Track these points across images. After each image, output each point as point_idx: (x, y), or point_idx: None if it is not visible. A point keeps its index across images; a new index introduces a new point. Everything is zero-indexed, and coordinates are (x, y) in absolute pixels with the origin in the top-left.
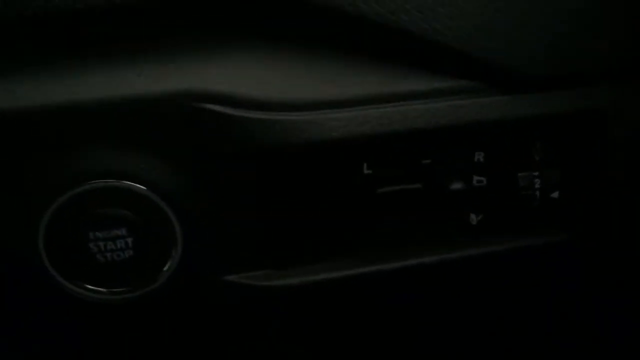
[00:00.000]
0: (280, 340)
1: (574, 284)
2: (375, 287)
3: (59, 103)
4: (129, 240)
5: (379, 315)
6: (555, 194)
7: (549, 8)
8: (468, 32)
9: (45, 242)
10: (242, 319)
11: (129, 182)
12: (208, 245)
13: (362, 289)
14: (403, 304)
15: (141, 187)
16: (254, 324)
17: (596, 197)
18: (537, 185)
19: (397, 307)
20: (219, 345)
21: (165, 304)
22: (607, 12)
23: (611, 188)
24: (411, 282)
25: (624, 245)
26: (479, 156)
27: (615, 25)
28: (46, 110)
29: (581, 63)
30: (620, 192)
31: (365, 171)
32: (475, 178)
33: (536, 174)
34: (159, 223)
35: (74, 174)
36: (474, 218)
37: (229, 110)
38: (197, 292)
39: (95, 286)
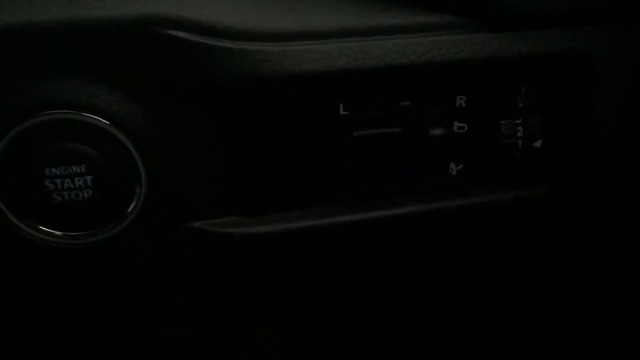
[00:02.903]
0: (242, 289)
1: (555, 237)
2: (347, 238)
3: (12, 23)
4: (89, 178)
5: (349, 267)
6: (538, 144)
7: None
8: None
9: None
10: (206, 267)
11: (89, 115)
12: (173, 187)
13: (334, 240)
14: (375, 255)
15: (103, 120)
16: (218, 271)
17: (580, 147)
18: (519, 134)
19: (370, 259)
20: (181, 293)
21: (125, 251)
22: None
23: (596, 137)
24: (387, 233)
25: (608, 197)
26: (461, 100)
27: None
28: (1, 31)
29: (571, 3)
30: (604, 141)
31: (342, 112)
32: (457, 124)
33: (519, 121)
34: (121, 161)
35: (28, 103)
36: (453, 167)
37: (196, 38)
38: (160, 239)
39: (52, 228)
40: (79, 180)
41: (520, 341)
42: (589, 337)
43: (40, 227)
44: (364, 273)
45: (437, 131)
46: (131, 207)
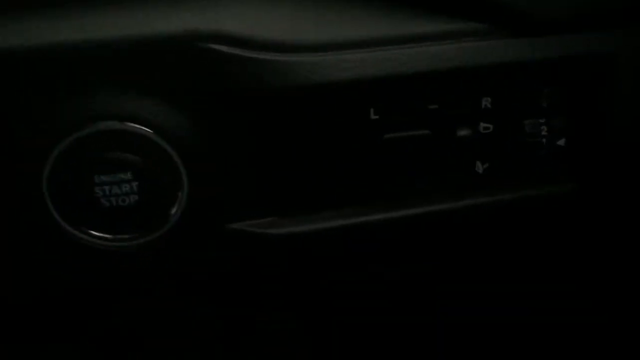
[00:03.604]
0: (281, 287)
1: (580, 234)
2: (382, 236)
3: (65, 42)
4: (134, 184)
5: (384, 264)
6: (562, 142)
7: None
8: None
9: (49, 185)
10: (246, 266)
11: (134, 125)
12: (213, 191)
13: (369, 238)
14: (408, 253)
15: (147, 129)
16: (258, 270)
17: (603, 145)
18: (543, 133)
19: (402, 256)
20: (222, 291)
21: (170, 251)
22: None
23: (618, 136)
24: (417, 230)
25: (632, 194)
26: (486, 102)
27: None
28: (52, 49)
29: (592, 7)
30: (627, 140)
31: (373, 116)
32: (482, 125)
33: (543, 120)
34: (164, 167)
35: (78, 116)
36: (480, 166)
37: (236, 51)
38: (202, 240)
39: (101, 232)
40: (125, 187)
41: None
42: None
43: (91, 231)
44: (393, 271)
45: (464, 132)
46: (174, 210)
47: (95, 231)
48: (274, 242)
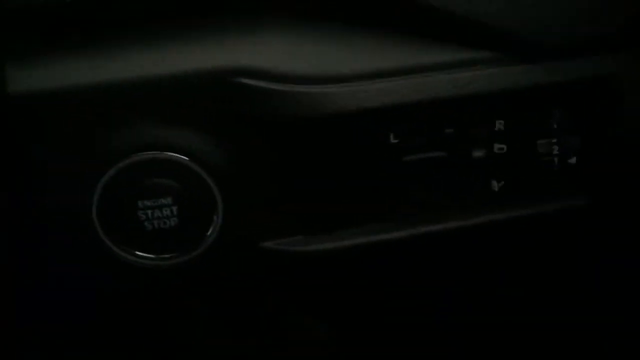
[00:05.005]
0: (313, 303)
1: (594, 248)
2: (405, 251)
3: (109, 81)
4: (174, 208)
5: (408, 279)
6: (573, 160)
7: None
8: (486, 4)
9: (98, 211)
10: (279, 283)
11: (172, 154)
12: (246, 213)
13: (393, 254)
14: (430, 268)
15: (184, 157)
16: (289, 287)
17: (614, 162)
18: (555, 152)
19: (424, 272)
20: (257, 308)
21: (207, 269)
22: None
23: (628, 153)
24: (438, 246)
25: None
26: (500, 124)
27: None
28: (98, 88)
29: (596, 31)
30: (634, 155)
31: (392, 140)
32: (496, 146)
33: (554, 140)
34: (201, 191)
35: (123, 147)
36: (495, 184)
37: (264, 84)
38: (236, 258)
39: (145, 252)
40: (166, 210)
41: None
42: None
43: (136, 251)
44: (413, 284)
45: (479, 153)
46: (210, 231)
47: (140, 251)
48: (302, 259)
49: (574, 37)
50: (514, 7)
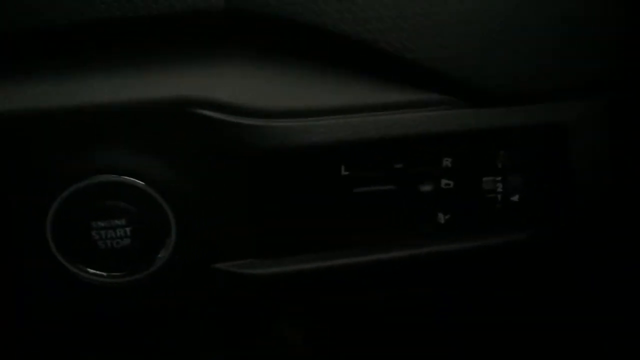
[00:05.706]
0: (264, 323)
1: (535, 280)
2: (351, 278)
3: (68, 106)
4: (128, 229)
5: (355, 304)
6: (516, 197)
7: (514, 30)
8: (438, 51)
9: (52, 230)
10: (230, 304)
11: (128, 178)
12: (199, 236)
13: (339, 280)
14: (376, 294)
15: (140, 182)
16: (241, 308)
17: (554, 201)
18: (499, 189)
19: (370, 298)
20: (207, 328)
21: (159, 288)
22: (569, 35)
23: (569, 195)
24: (383, 274)
25: (581, 245)
26: (447, 162)
27: (576, 47)
28: (57, 112)
29: (543, 81)
30: (577, 199)
31: (344, 172)
32: (444, 181)
33: (499, 179)
34: (155, 215)
35: (79, 169)
36: (441, 217)
37: (221, 116)
38: (188, 279)
39: (97, 270)
40: (119, 231)
41: None
42: None
43: (88, 269)
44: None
45: (427, 187)
46: (161, 253)
47: (92, 269)
48: (254, 281)
49: (522, 86)
50: (465, 54)
